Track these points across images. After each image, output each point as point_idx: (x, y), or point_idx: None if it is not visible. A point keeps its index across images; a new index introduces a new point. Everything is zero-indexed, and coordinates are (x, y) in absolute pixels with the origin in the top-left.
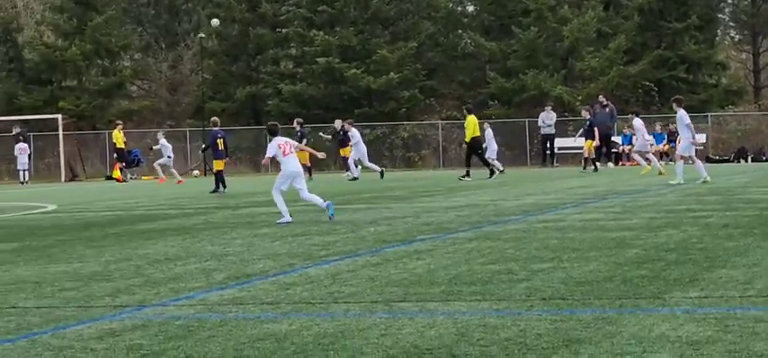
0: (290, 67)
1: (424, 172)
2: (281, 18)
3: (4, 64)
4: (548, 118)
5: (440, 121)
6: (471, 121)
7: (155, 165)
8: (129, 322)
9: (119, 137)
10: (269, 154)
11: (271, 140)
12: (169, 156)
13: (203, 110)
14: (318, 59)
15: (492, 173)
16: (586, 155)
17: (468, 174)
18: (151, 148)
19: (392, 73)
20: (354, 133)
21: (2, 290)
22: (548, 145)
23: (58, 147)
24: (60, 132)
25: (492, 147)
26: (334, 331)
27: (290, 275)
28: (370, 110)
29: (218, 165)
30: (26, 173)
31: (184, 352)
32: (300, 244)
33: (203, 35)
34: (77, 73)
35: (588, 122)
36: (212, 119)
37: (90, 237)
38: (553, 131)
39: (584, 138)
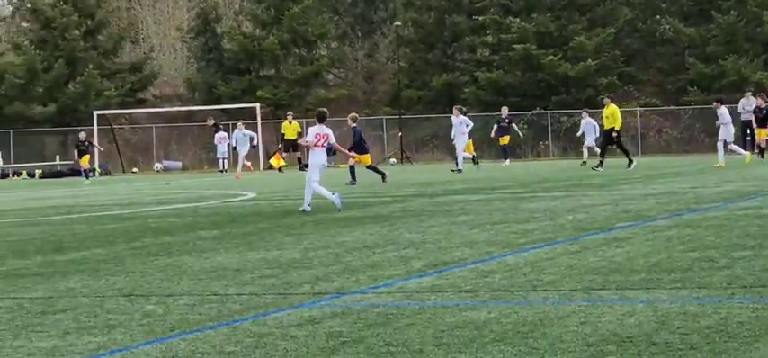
0: (487, 54)
1: (621, 159)
2: (478, 5)
3: (204, 54)
4: (747, 104)
5: (638, 108)
6: (613, 111)
7: (241, 160)
8: (329, 309)
9: (288, 128)
10: (308, 138)
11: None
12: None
13: (399, 98)
14: (515, 46)
15: (594, 162)
16: (759, 142)
17: (630, 163)
18: (233, 148)
19: (590, 59)
20: (463, 120)
21: (204, 278)
22: (747, 131)
23: (257, 135)
24: (258, 121)
25: (591, 136)
26: (534, 319)
27: (489, 263)
28: (567, 97)
29: (365, 159)
30: (225, 161)
31: (383, 339)
32: (498, 231)
33: (399, 23)
34: (275, 62)
35: (765, 110)
36: (350, 115)
37: (289, 224)
38: (753, 118)
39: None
